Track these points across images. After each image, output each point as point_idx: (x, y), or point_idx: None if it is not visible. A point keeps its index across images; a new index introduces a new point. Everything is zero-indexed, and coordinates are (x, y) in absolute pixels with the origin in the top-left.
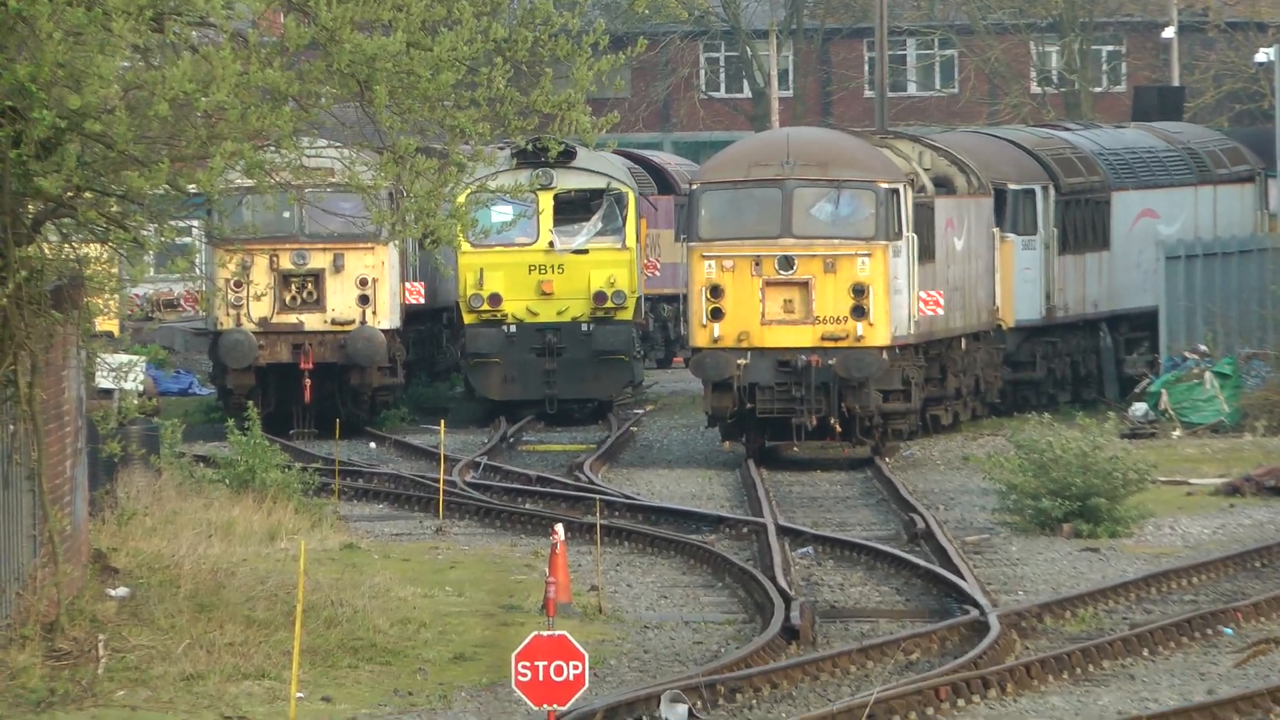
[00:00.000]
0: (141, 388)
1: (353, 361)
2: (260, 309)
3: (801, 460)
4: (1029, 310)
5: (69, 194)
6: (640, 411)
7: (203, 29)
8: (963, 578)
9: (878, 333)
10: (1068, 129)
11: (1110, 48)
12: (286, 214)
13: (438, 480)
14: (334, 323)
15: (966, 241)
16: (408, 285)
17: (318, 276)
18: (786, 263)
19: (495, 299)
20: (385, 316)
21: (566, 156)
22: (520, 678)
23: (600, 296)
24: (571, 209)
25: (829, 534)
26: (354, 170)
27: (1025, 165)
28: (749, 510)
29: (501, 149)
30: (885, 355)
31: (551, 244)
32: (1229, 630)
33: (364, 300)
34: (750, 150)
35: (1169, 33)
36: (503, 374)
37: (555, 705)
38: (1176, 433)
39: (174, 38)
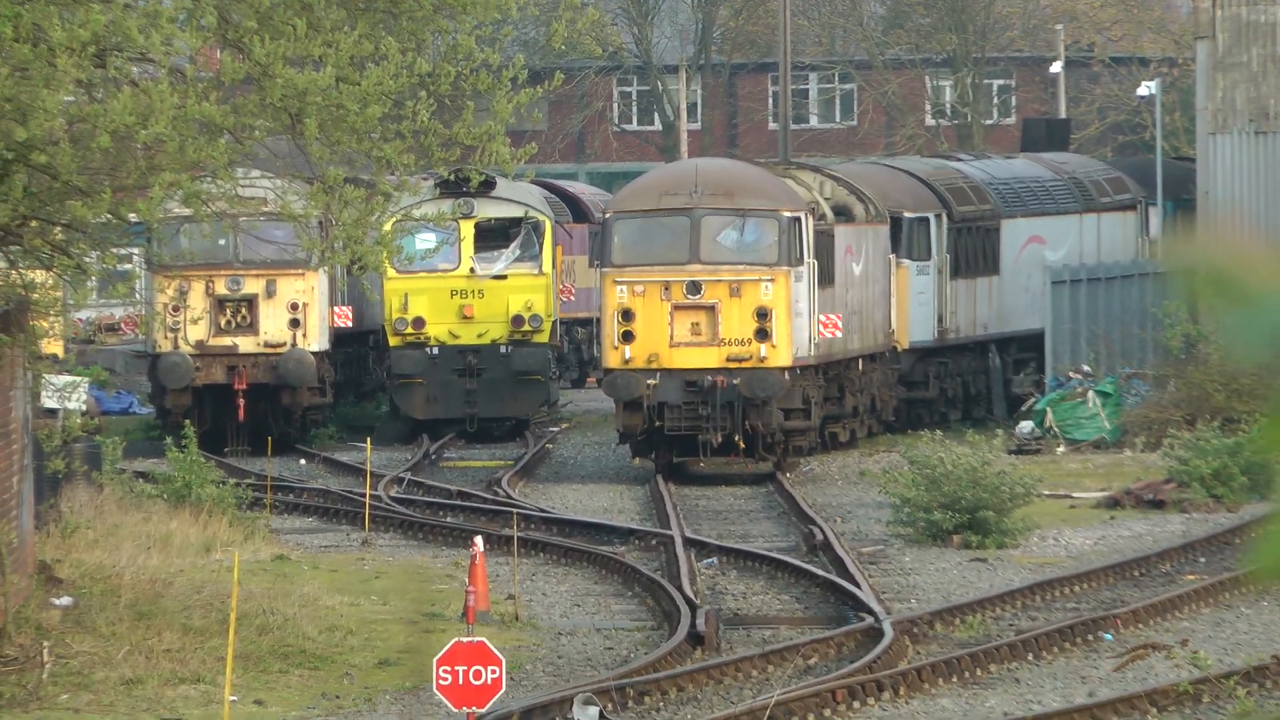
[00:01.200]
0: (84, 407)
1: (284, 382)
2: (197, 332)
3: (707, 475)
4: (922, 332)
5: (16, 223)
6: (555, 429)
7: (142, 64)
8: (859, 587)
9: (780, 354)
10: (960, 160)
11: (1001, 82)
12: (222, 241)
13: (364, 495)
14: (267, 345)
15: (864, 267)
16: (336, 309)
17: (251, 301)
18: (694, 288)
19: (419, 322)
20: (315, 339)
21: (487, 186)
22: (441, 681)
23: (518, 320)
24: (491, 236)
25: (733, 545)
26: (286, 200)
27: (920, 194)
28: (658, 523)
29: (425, 179)
30: (787, 375)
31: (472, 270)
32: (1109, 636)
33: (295, 324)
34: (660, 180)
35: (1056, 67)
36: (426, 394)
37: (474, 707)
38: (1061, 449)
39: (115, 73)
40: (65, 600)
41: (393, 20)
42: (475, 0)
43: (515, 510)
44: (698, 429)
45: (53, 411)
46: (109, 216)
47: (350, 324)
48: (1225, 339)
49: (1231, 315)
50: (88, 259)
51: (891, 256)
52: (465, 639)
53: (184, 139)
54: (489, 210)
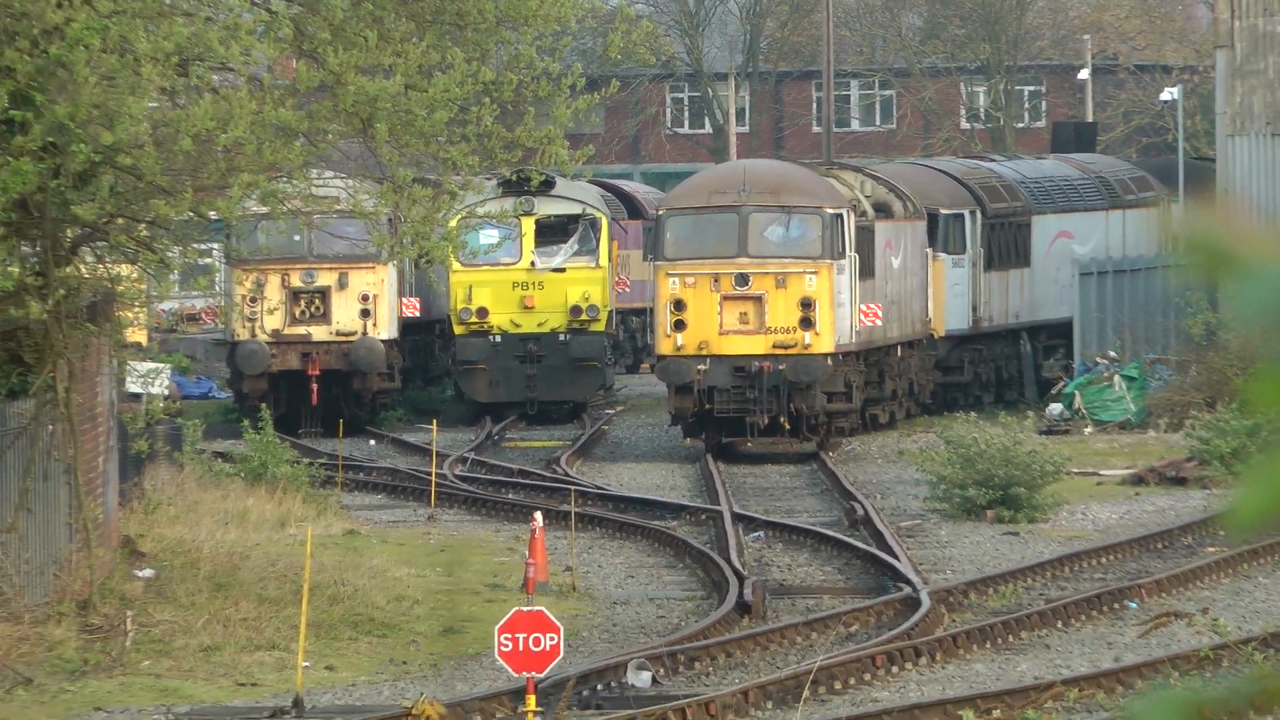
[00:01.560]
0: (167, 392)
1: (355, 368)
2: (273, 322)
3: (754, 455)
4: (958, 321)
5: (103, 220)
6: (611, 412)
7: (223, 73)
8: (897, 559)
9: (823, 341)
10: (993, 160)
11: (1032, 88)
12: (297, 237)
13: (430, 473)
14: (339, 334)
15: (903, 260)
16: (405, 300)
17: (324, 293)
18: (742, 279)
19: (483, 312)
20: (384, 328)
21: (546, 186)
22: (503, 648)
23: (576, 310)
24: (551, 232)
25: (778, 520)
26: (357, 198)
27: (955, 192)
28: (707, 499)
29: (489, 179)
30: (829, 361)
31: (533, 263)
32: (1134, 605)
33: (365, 314)
34: (710, 180)
35: (1084, 75)
36: (489, 379)
37: (534, 673)
38: (1088, 430)
39: (197, 80)
40: (148, 572)
41: (458, 31)
42: (536, 13)
43: (573, 487)
44: (745, 411)
45: (137, 396)
46: (190, 214)
47: (418, 314)
48: (1228, 309)
49: (1229, 286)
50: (170, 254)
51: (929, 250)
52: (525, 608)
53: (261, 142)
54: (549, 208)
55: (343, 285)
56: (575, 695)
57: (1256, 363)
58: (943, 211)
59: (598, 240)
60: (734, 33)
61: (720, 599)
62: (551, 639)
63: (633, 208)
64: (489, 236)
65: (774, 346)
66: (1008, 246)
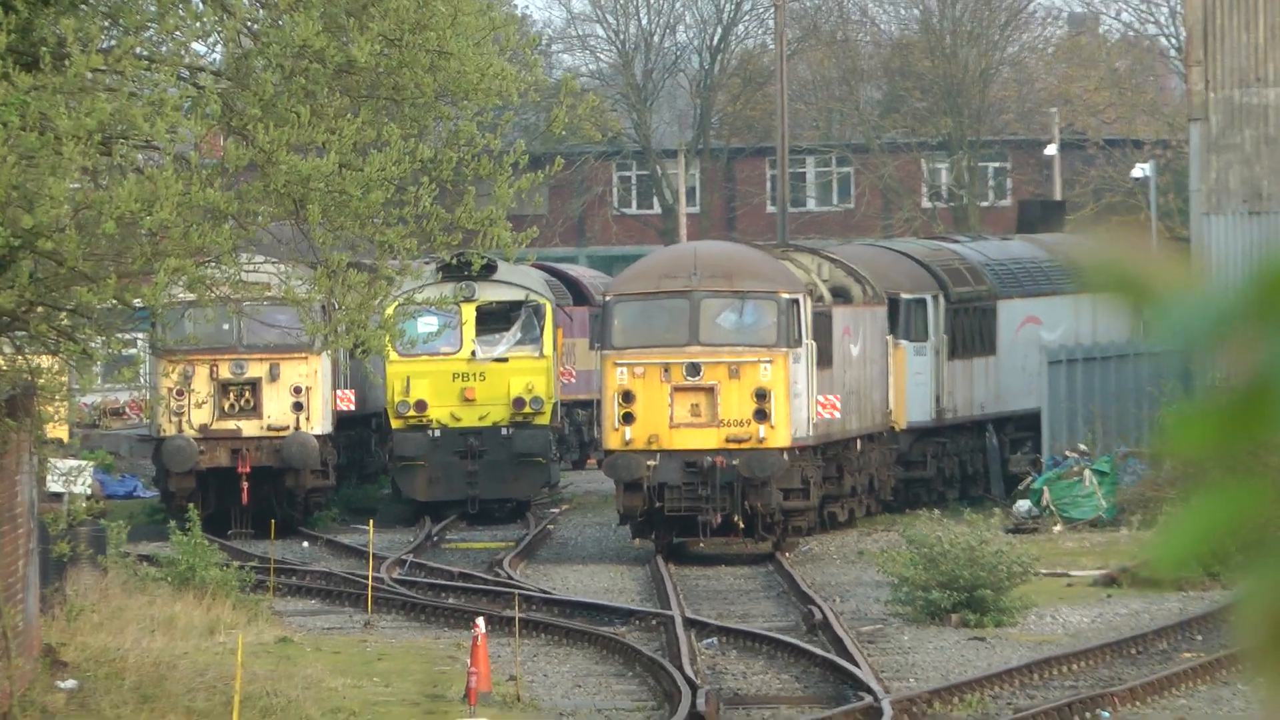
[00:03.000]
0: (89, 491)
1: (287, 465)
2: (201, 416)
3: (707, 556)
4: (920, 412)
5: (22, 309)
6: (556, 510)
7: (147, 151)
8: (858, 666)
9: (779, 435)
10: (957, 241)
11: (996, 164)
12: (226, 326)
13: (367, 577)
14: (270, 428)
15: (862, 348)
16: (339, 393)
17: (255, 385)
18: (694, 369)
19: (421, 405)
20: (318, 422)
21: (488, 270)
22: None
23: (519, 402)
24: (493, 319)
25: (733, 625)
26: (290, 285)
27: (917, 275)
28: (658, 603)
29: (427, 263)
30: (786, 456)
31: (474, 353)
32: (1106, 714)
33: (298, 407)
34: (660, 263)
35: (1051, 150)
36: (428, 476)
37: None
38: (1058, 528)
39: (121, 160)
40: (70, 684)
41: (395, 107)
42: (477, 87)
43: (517, 591)
44: (697, 509)
45: (58, 495)
46: (114, 302)
47: (353, 407)
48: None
49: (1144, 315)
50: (93, 344)
51: (889, 337)
52: None
53: (188, 225)
54: (490, 294)
55: (274, 377)
56: None
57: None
58: (904, 296)
59: (542, 328)
60: (684, 107)
61: (672, 709)
62: None
63: (578, 293)
64: (428, 324)
65: (727, 440)
66: (972, 333)
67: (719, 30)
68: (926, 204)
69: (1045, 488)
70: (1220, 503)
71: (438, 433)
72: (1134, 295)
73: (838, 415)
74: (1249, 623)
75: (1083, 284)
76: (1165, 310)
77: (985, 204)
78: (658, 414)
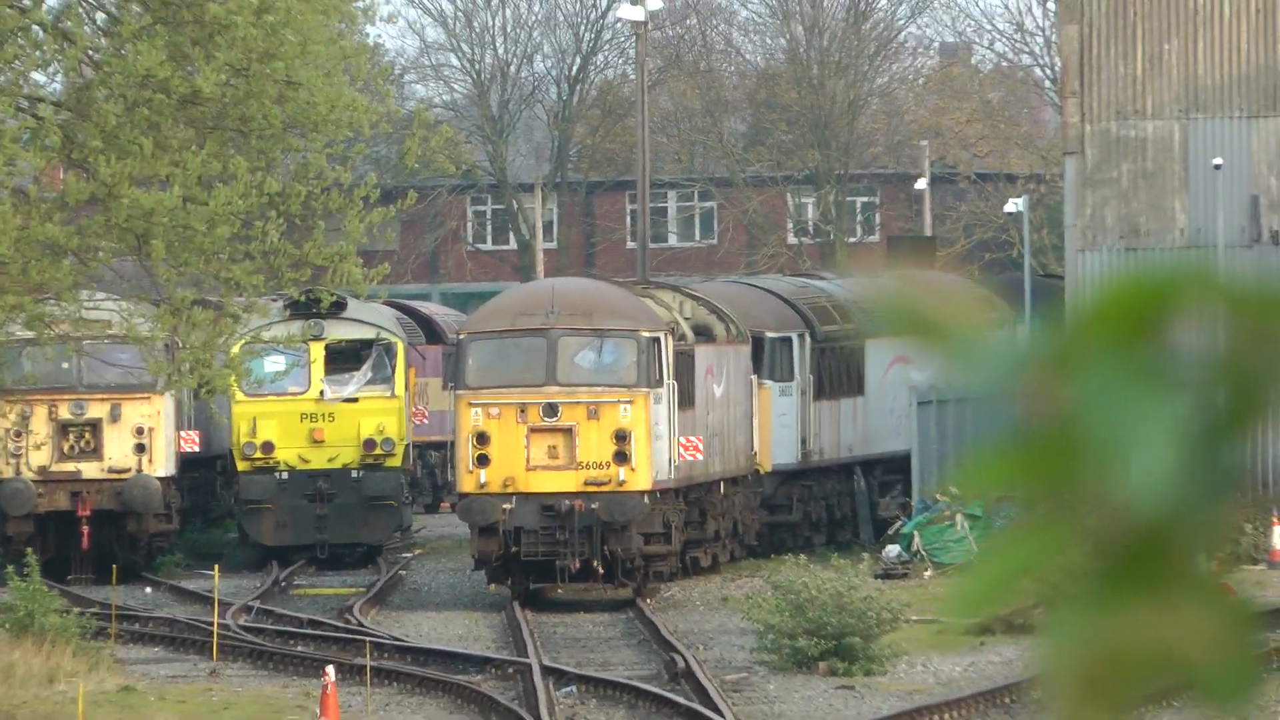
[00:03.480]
0: None
1: (130, 508)
2: (39, 458)
3: (566, 602)
4: (786, 454)
5: None
6: (409, 555)
7: None
8: (722, 715)
9: (639, 477)
10: (823, 278)
11: (865, 199)
12: (65, 365)
13: (212, 623)
14: (111, 471)
15: (726, 388)
16: (183, 434)
17: (96, 426)
18: (551, 410)
19: (268, 446)
20: (161, 464)
21: (338, 308)
22: None
23: (370, 444)
24: (342, 359)
25: (592, 673)
26: (132, 322)
27: (783, 313)
28: (514, 651)
29: (274, 300)
30: (646, 499)
31: (323, 393)
32: None
33: (141, 449)
34: (516, 300)
35: (921, 184)
36: (275, 520)
37: None
38: (929, 573)
39: None
40: None
41: (242, 139)
42: (327, 118)
43: (368, 638)
44: (555, 554)
45: None
46: None
47: (197, 448)
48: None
49: (935, 354)
50: None
51: (754, 377)
52: None
53: (27, 261)
54: (340, 332)
55: (115, 418)
56: None
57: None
58: (769, 335)
59: (393, 367)
60: (541, 140)
61: None
62: None
63: (431, 331)
64: (275, 363)
65: (586, 483)
66: (839, 373)
67: (578, 60)
68: (793, 240)
69: (915, 532)
70: (1019, 547)
71: (285, 475)
72: (932, 339)
73: (700, 457)
74: (1048, 672)
75: (885, 327)
76: (963, 353)
77: (853, 240)
78: (514, 456)
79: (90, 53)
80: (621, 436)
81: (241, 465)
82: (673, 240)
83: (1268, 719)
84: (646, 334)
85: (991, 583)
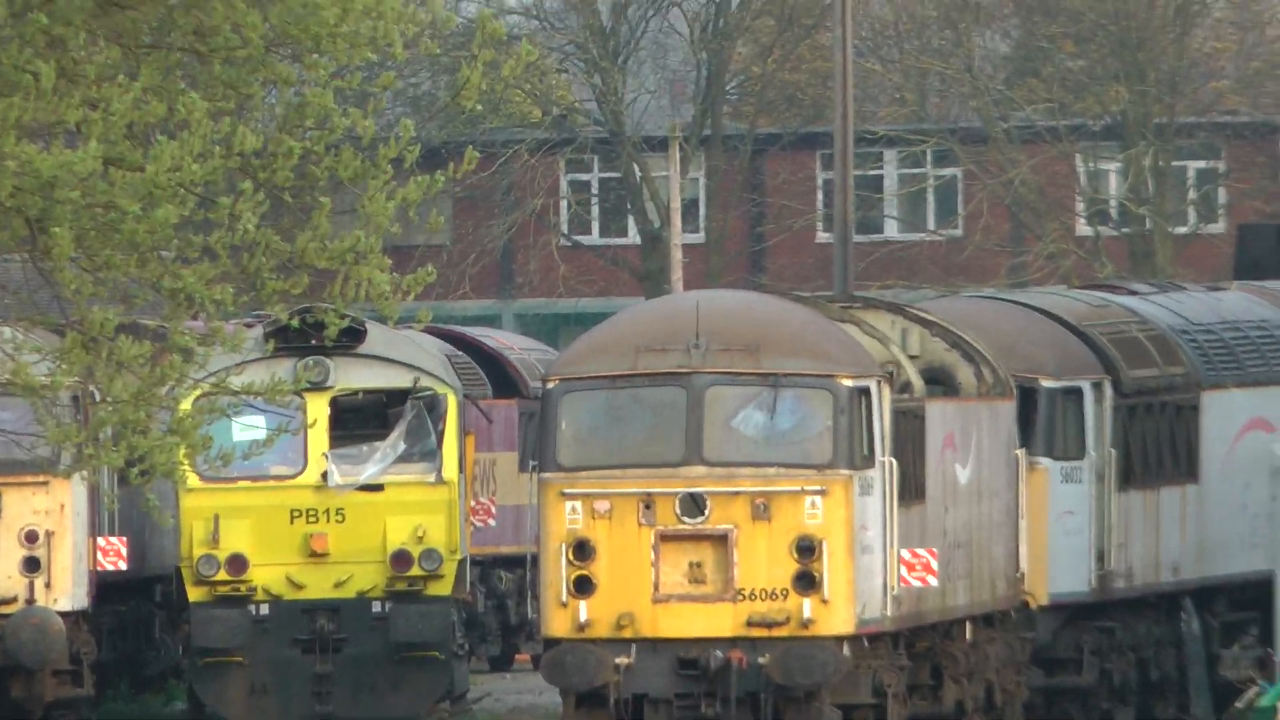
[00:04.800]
0: None
1: (14, 661)
2: None
3: None
4: (1072, 579)
5: None
6: None
7: None
8: None
9: (835, 615)
10: (1133, 293)
11: (1202, 164)
12: None
13: None
14: None
15: (975, 470)
16: (102, 542)
17: None
18: (694, 504)
19: (238, 562)
20: (65, 592)
21: (352, 338)
22: None
23: (402, 559)
24: (358, 420)
25: None
26: (20, 360)
27: (1068, 349)
28: None
29: (250, 325)
30: (846, 650)
31: (326, 475)
32: None
33: (32, 566)
34: (638, 327)
35: None
36: (249, 681)
37: None
38: None
39: None
40: None
41: (199, 65)
42: (336, 30)
43: None
44: None
45: None
46: None
47: (124, 566)
48: None
49: None
50: None
51: (1020, 452)
52: None
53: None
54: (354, 376)
55: None
56: None
57: None
58: (1044, 384)
59: (440, 435)
60: (678, 67)
61: None
62: None
63: (502, 377)
64: (251, 428)
65: (749, 624)
66: (1159, 446)
67: None
68: (1085, 229)
69: (1278, 704)
70: None
71: (266, 609)
72: None
73: (934, 582)
74: None
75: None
76: None
77: (1182, 230)
78: (633, 579)
79: None
80: (807, 549)
81: (195, 593)
82: (891, 230)
83: None
84: (849, 382)
85: None
